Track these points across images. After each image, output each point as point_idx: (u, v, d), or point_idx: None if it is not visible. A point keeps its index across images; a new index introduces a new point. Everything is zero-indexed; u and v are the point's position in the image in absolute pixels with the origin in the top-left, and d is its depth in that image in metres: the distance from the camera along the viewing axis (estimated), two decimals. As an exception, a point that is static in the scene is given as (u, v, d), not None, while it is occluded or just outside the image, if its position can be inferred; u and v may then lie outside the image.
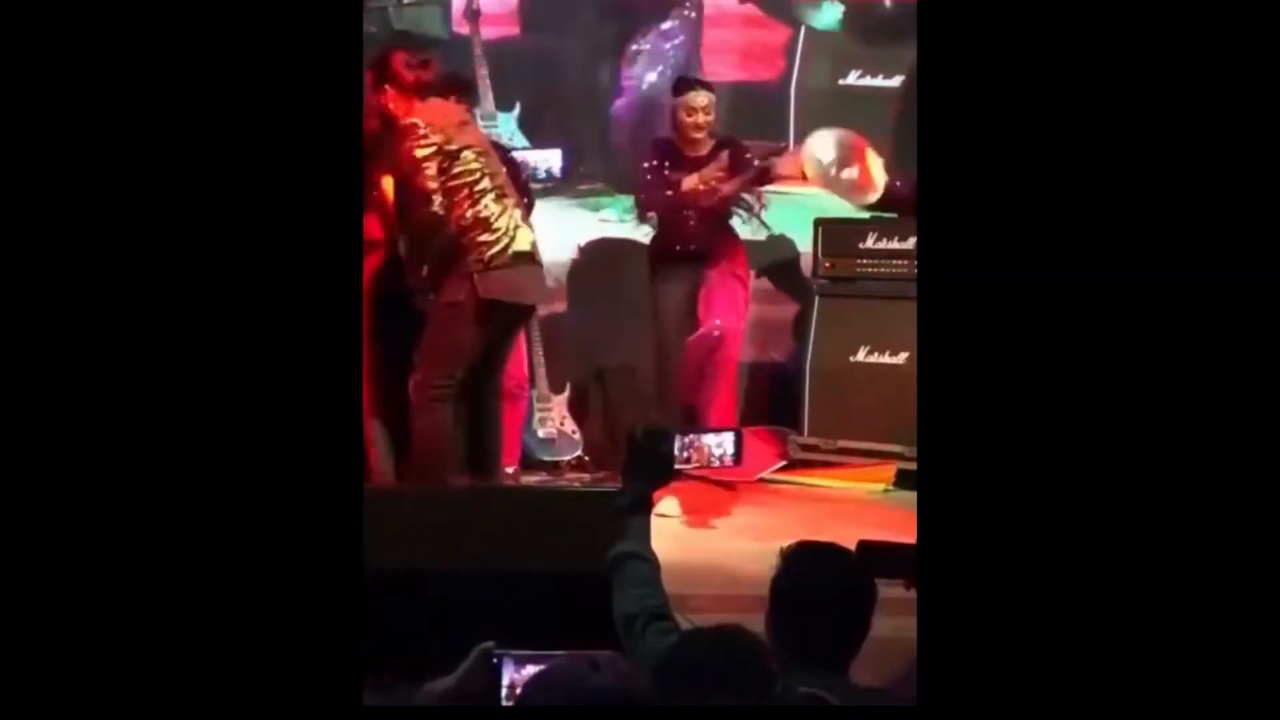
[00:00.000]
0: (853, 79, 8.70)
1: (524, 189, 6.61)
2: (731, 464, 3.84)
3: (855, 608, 3.29)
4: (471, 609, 4.22)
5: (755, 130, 7.97)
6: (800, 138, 7.91)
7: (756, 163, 7.02)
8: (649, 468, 3.61)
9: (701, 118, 6.98)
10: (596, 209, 8.36)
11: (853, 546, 3.44)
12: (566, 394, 7.30)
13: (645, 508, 3.55)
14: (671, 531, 6.02)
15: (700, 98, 7.01)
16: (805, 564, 3.36)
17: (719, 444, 3.76)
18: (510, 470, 6.71)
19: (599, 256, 7.96)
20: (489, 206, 5.99)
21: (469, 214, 5.97)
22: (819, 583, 3.30)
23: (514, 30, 8.84)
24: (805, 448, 7.22)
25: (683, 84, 7.22)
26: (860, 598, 3.31)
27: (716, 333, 6.94)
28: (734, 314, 7.05)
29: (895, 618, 3.48)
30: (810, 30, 8.76)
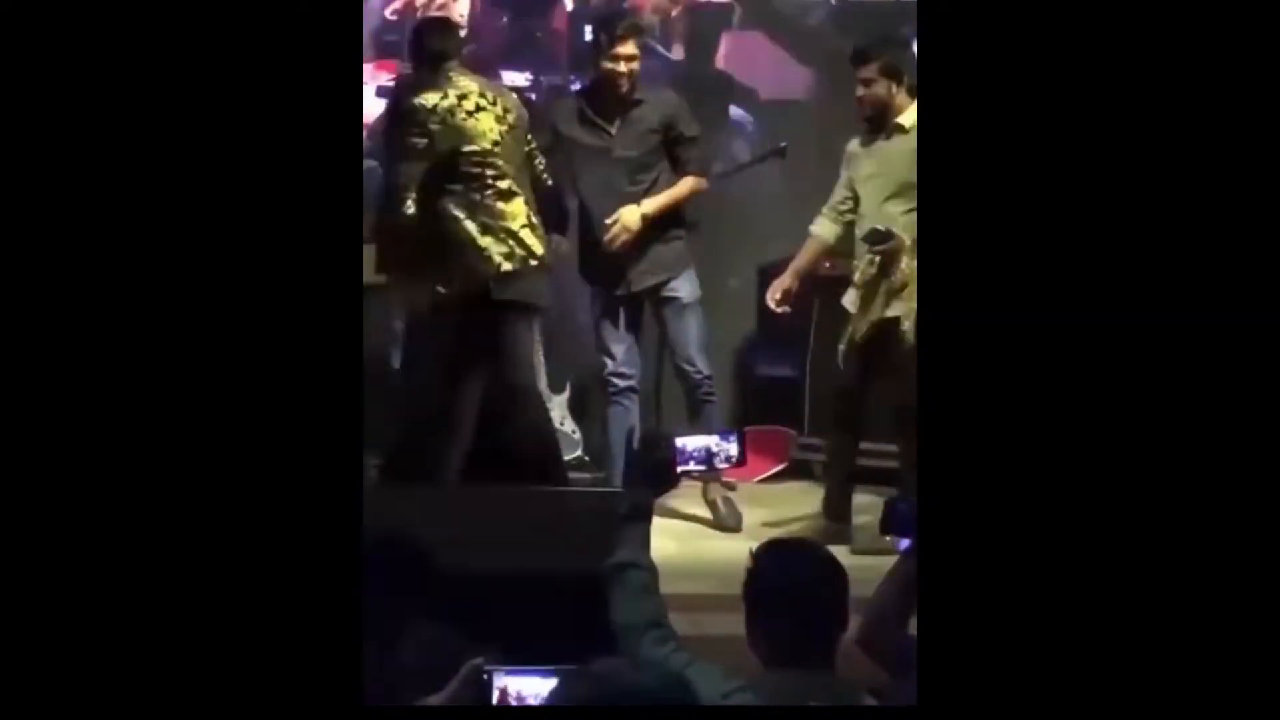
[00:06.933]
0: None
1: None
2: (734, 465, 3.82)
3: (830, 602, 3.28)
4: (469, 610, 4.21)
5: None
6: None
7: None
8: (648, 475, 3.59)
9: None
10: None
11: None
12: (566, 394, 7.29)
13: (645, 515, 3.52)
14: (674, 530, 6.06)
15: None
16: (777, 563, 3.34)
17: (722, 445, 3.74)
18: None
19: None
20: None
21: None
22: (791, 580, 3.29)
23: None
24: (806, 448, 7.21)
25: None
26: (834, 591, 3.29)
27: None
28: None
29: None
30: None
